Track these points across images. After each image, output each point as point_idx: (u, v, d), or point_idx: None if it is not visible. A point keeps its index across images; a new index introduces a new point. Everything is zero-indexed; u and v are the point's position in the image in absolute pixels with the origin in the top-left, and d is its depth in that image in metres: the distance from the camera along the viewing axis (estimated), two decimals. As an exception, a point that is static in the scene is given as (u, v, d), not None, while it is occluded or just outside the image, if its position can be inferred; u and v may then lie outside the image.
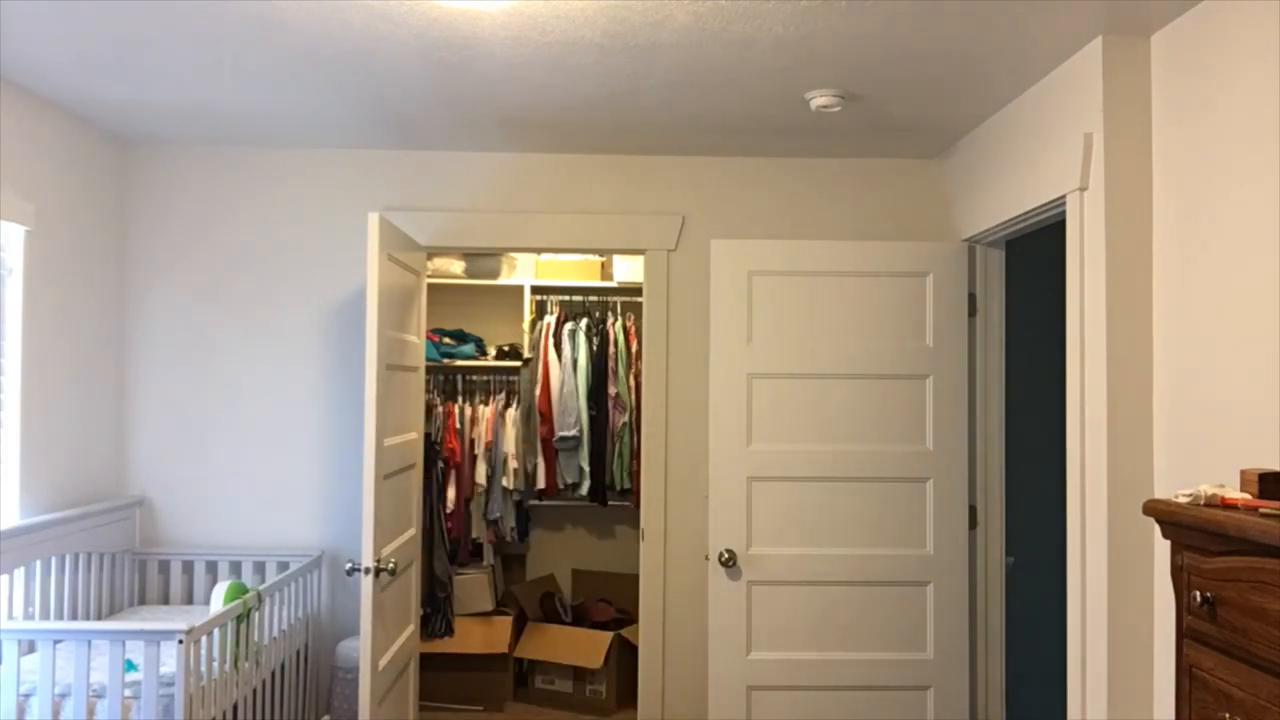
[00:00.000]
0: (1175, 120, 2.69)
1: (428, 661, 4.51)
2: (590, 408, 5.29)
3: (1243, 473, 1.99)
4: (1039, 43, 2.90)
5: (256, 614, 3.55)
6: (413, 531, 4.12)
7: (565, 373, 5.29)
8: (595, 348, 5.32)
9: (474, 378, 5.51)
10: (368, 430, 3.45)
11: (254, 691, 3.58)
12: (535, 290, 5.53)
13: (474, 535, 5.28)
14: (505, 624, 5.15)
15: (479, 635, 5.08)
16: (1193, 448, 2.60)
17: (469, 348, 5.48)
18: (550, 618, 5.38)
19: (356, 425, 4.18)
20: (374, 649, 3.45)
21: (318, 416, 4.25)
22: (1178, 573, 2.00)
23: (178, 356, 4.23)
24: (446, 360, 5.40)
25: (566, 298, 5.51)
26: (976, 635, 3.88)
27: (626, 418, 5.27)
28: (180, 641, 2.97)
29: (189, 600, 4.16)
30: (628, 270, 5.33)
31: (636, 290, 5.01)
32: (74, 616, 3.71)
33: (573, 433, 5.25)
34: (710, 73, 3.19)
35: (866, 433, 3.84)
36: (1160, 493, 2.70)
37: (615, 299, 5.47)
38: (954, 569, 3.84)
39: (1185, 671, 1.98)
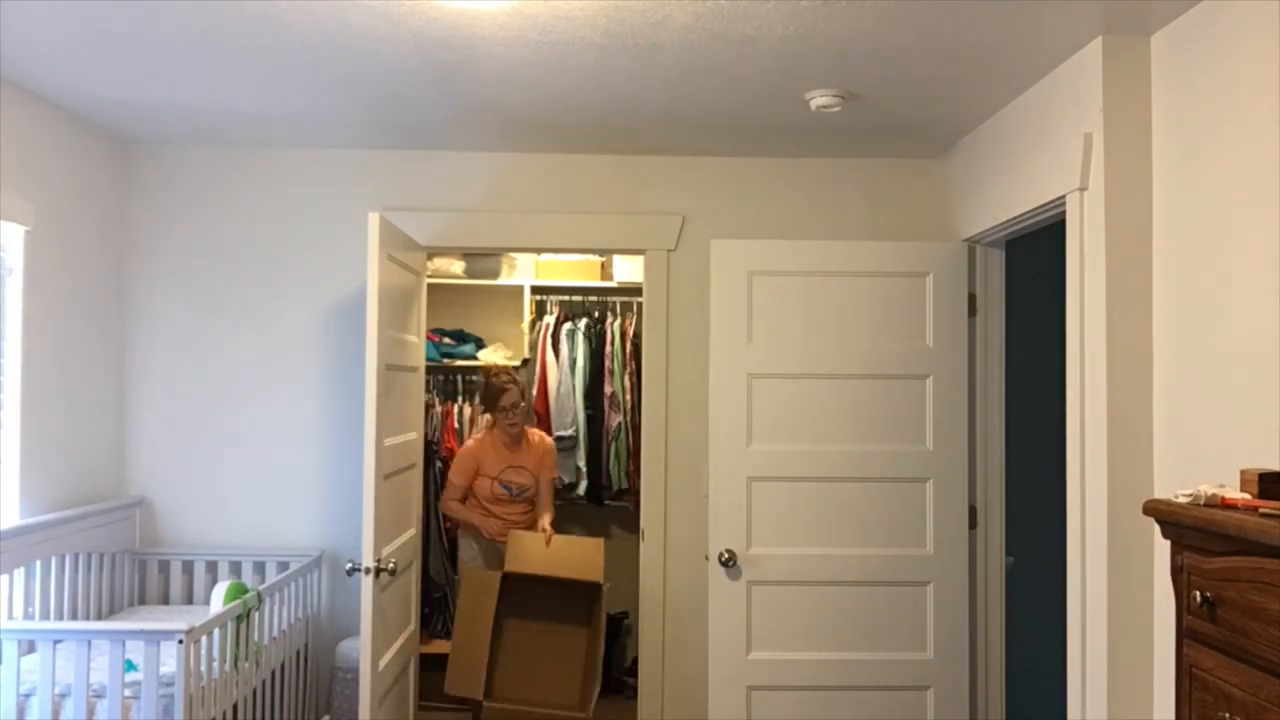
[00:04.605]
0: (1175, 120, 2.69)
1: (428, 661, 4.51)
2: (587, 407, 5.28)
3: (1243, 473, 1.99)
4: (1039, 42, 2.90)
5: (256, 614, 3.55)
6: (413, 531, 4.12)
7: (563, 372, 5.29)
8: (592, 347, 5.32)
9: (474, 378, 5.50)
10: (368, 430, 3.45)
11: (254, 691, 3.58)
12: (535, 290, 5.52)
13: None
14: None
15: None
16: (1193, 448, 2.60)
17: (469, 348, 5.48)
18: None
19: (356, 425, 4.14)
20: (374, 649, 3.45)
21: (318, 416, 4.24)
22: (1178, 573, 2.00)
23: (178, 356, 4.22)
24: (446, 360, 5.39)
25: (566, 298, 5.50)
26: (976, 635, 3.88)
27: (621, 418, 5.26)
28: (180, 641, 2.96)
29: (189, 600, 4.16)
30: (628, 270, 5.33)
31: (636, 290, 5.00)
32: (74, 616, 3.71)
33: (569, 432, 5.25)
34: (710, 73, 3.18)
35: (866, 433, 3.84)
36: (1160, 493, 2.70)
37: (615, 299, 5.46)
38: (954, 569, 3.84)
39: (1185, 671, 1.98)
